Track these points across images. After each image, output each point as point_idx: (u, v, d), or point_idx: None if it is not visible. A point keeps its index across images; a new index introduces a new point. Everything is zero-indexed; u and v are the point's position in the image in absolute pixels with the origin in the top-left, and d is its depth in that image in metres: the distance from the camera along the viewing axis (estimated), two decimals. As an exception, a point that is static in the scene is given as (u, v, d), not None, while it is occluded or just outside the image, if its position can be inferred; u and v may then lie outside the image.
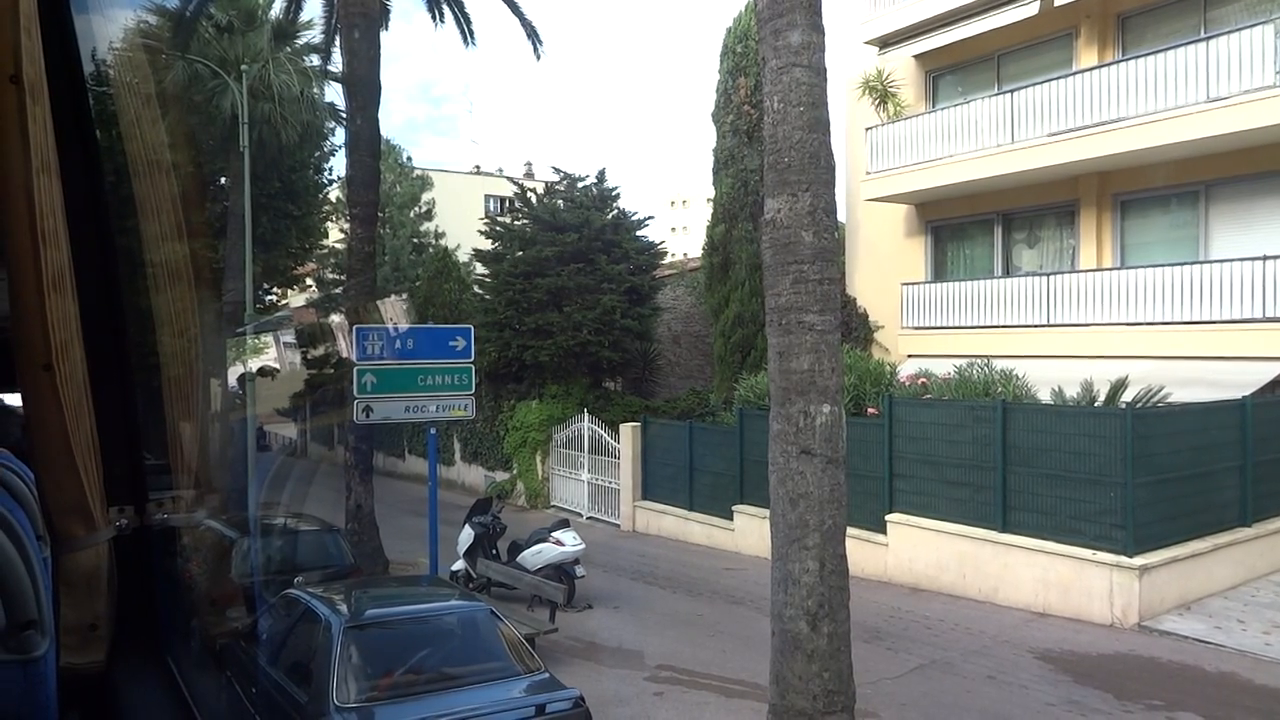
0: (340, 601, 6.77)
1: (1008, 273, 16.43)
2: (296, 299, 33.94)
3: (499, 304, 21.16)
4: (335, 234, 30.52)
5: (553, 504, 19.81)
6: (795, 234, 5.63)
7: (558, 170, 22.35)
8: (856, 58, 17.87)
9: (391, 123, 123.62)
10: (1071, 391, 11.66)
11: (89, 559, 1.44)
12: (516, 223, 22.64)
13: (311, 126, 24.16)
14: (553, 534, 11.74)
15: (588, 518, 18.35)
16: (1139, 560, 10.00)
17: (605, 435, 18.29)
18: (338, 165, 37.74)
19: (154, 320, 1.72)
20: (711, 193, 20.21)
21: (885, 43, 17.47)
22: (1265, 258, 12.45)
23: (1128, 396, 11.22)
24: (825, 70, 5.77)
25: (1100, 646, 9.42)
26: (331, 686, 5.63)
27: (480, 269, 24.34)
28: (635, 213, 22.07)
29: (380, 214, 19.82)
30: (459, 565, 12.26)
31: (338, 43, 16.44)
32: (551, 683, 6.08)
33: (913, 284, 17.34)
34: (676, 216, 70.71)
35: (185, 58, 19.25)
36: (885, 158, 17.10)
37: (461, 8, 17.63)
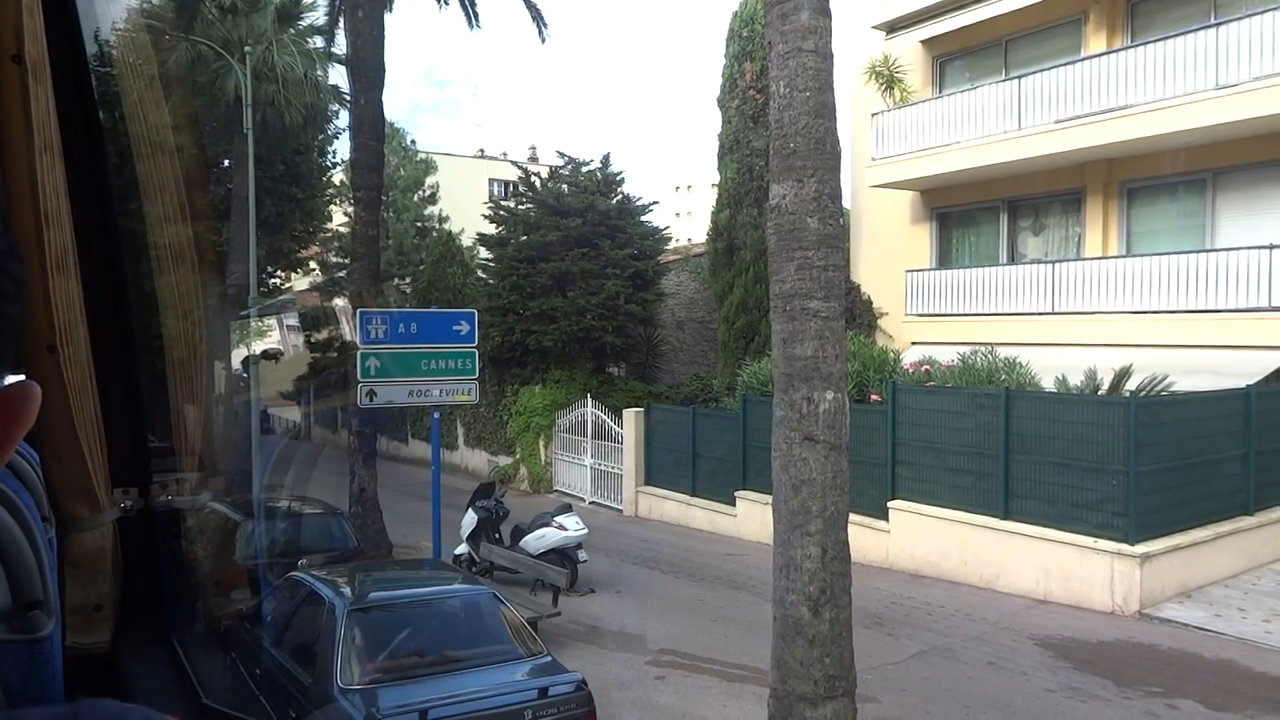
0: (344, 584, 6.81)
1: (1013, 260, 16.37)
2: (300, 282, 33.92)
3: (503, 288, 21.15)
4: (339, 217, 30.45)
5: (556, 489, 19.86)
6: (800, 220, 5.61)
7: (562, 154, 22.31)
8: (863, 43, 17.74)
9: (395, 106, 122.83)
10: (1075, 379, 11.65)
11: (94, 540, 1.44)
12: (520, 207, 22.60)
13: (315, 109, 24.01)
14: (555, 518, 11.77)
15: (590, 503, 18.40)
16: (1140, 548, 10.02)
17: (609, 420, 18.31)
18: (342, 148, 37.53)
19: (158, 303, 1.72)
20: (716, 178, 20.13)
21: (892, 28, 17.34)
22: (1272, 246, 12.38)
23: (1132, 385, 11.21)
24: (832, 55, 5.73)
25: (1100, 633, 9.45)
26: (335, 668, 5.67)
27: (484, 253, 24.30)
28: (640, 197, 22.06)
29: (384, 198, 19.79)
30: (462, 549, 12.30)
31: (341, 24, 16.36)
32: (554, 666, 6.12)
33: (917, 271, 17.29)
34: (681, 201, 70.43)
35: (189, 39, 19.18)
36: (891, 144, 17.01)
37: (466, -10, 17.51)
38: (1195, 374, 11.88)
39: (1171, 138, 13.11)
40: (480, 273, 24.06)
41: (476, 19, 17.68)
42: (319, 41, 22.33)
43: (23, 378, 0.77)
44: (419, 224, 35.57)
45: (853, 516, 6.10)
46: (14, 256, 0.76)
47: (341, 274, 29.54)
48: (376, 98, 14.33)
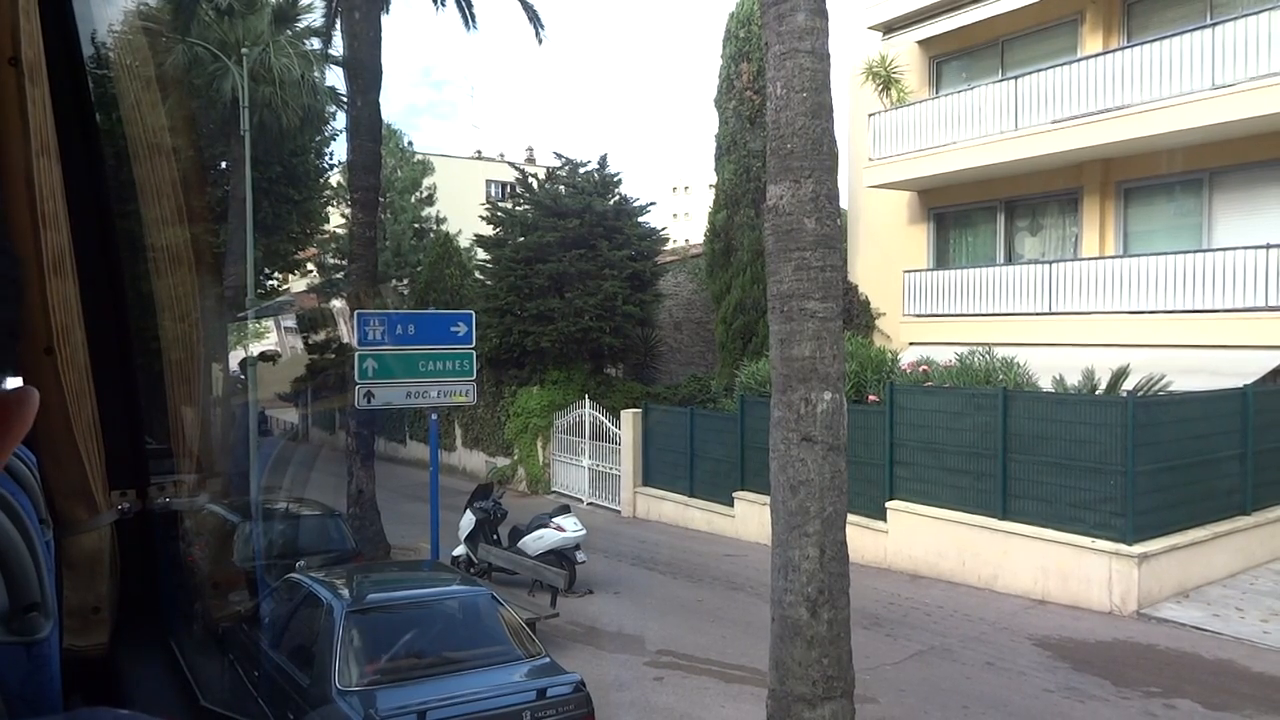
0: (342, 586, 6.81)
1: (1010, 260, 16.39)
2: (298, 284, 33.85)
3: (500, 289, 21.14)
4: (336, 219, 30.42)
5: (554, 490, 19.85)
6: (797, 220, 5.61)
7: (559, 155, 22.29)
8: (860, 43, 17.76)
9: (392, 107, 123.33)
10: (1073, 379, 11.66)
11: (91, 542, 1.44)
12: (518, 208, 22.59)
13: (312, 110, 24.02)
14: (554, 519, 11.77)
15: (589, 503, 18.39)
16: (1138, 548, 10.03)
17: (606, 421, 18.31)
18: (339, 150, 37.48)
19: (155, 305, 1.72)
20: (713, 179, 20.13)
21: (889, 28, 17.36)
22: (1268, 246, 12.40)
23: (1129, 385, 11.22)
24: (829, 56, 5.73)
25: (1099, 633, 9.46)
26: (334, 670, 5.67)
27: (481, 254, 24.29)
28: (637, 198, 22.05)
29: (381, 199, 19.77)
30: (460, 550, 12.30)
31: (339, 26, 16.36)
32: (552, 667, 6.11)
33: (914, 271, 17.31)
34: (678, 202, 70.49)
35: (185, 41, 19.15)
36: (888, 144, 17.03)
37: (463, -9, 17.50)
38: (1192, 374, 11.89)
39: (1168, 138, 13.14)
40: (478, 274, 24.05)
41: (473, 20, 17.69)
42: (316, 43, 22.32)
43: (20, 383, 0.77)
44: (416, 225, 35.54)
45: (851, 517, 6.10)
46: (9, 257, 0.76)
47: (339, 275, 29.51)
48: (373, 99, 14.33)
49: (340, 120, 26.09)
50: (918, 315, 17.00)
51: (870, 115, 17.37)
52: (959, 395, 12.04)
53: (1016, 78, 15.07)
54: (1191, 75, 12.65)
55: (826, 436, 5.57)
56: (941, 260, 17.65)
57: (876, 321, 18.00)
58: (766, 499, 6.45)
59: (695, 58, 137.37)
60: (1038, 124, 14.49)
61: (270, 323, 34.22)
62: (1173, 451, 10.60)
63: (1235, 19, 12.32)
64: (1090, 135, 13.77)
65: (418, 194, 36.63)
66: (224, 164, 22.45)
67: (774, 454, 5.74)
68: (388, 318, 11.12)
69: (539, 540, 11.53)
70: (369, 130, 14.39)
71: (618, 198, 21.46)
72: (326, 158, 28.02)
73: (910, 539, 12.29)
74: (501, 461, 21.82)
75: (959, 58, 17.33)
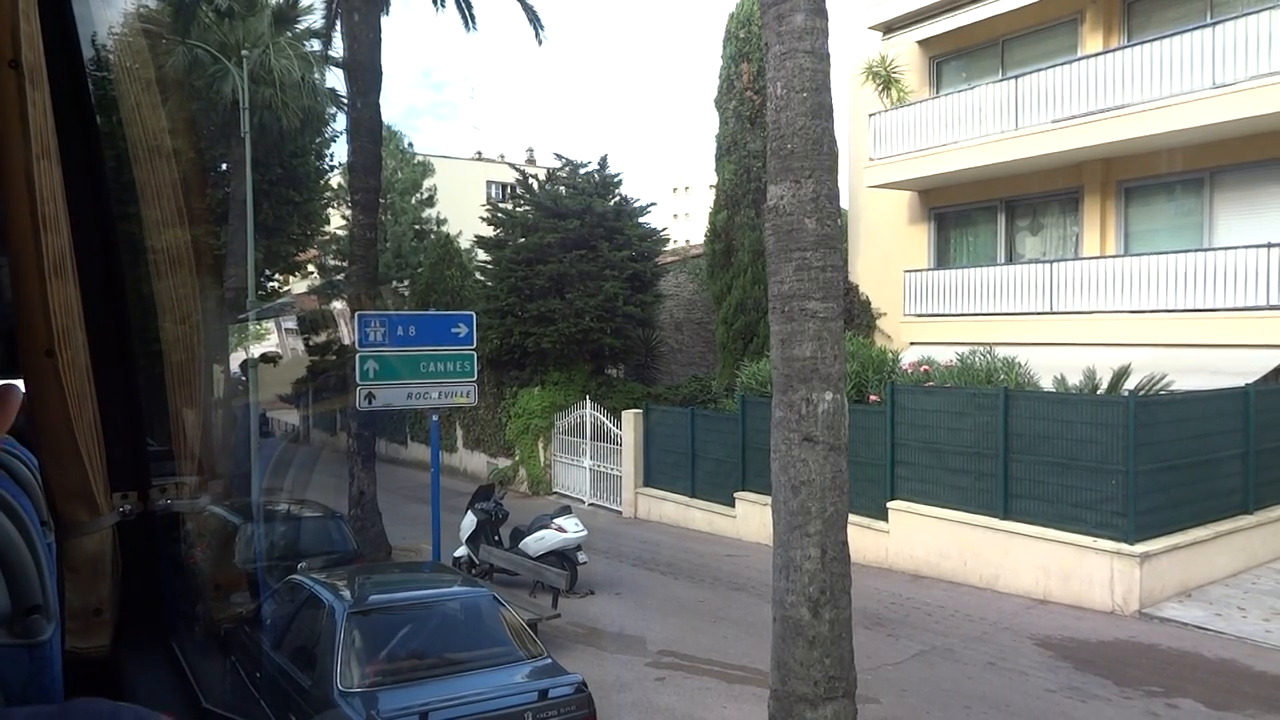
0: (344, 587, 6.81)
1: (1011, 260, 16.38)
2: (298, 285, 33.89)
3: (501, 290, 21.15)
4: (337, 220, 30.47)
5: (555, 490, 19.85)
6: (798, 221, 5.61)
7: (560, 156, 22.32)
8: (860, 43, 17.76)
9: (393, 108, 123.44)
10: (1074, 379, 11.66)
11: (93, 544, 1.44)
12: (518, 209, 22.61)
13: (313, 112, 24.04)
14: (555, 520, 11.77)
15: (590, 504, 18.39)
16: (1140, 548, 10.02)
17: (607, 422, 18.31)
18: (339, 151, 37.42)
19: (156, 306, 1.72)
20: (714, 179, 20.14)
21: (889, 28, 17.36)
22: (1269, 245, 12.40)
23: (1130, 384, 11.22)
24: (829, 56, 5.73)
25: (1100, 633, 9.45)
26: (335, 671, 5.67)
27: (482, 255, 24.30)
28: (638, 199, 22.08)
29: (382, 200, 19.78)
30: (461, 551, 12.30)
31: (338, 27, 16.36)
32: (554, 668, 6.11)
33: (915, 271, 17.30)
34: (679, 203, 70.51)
35: (185, 43, 19.16)
36: (888, 144, 17.03)
37: (463, -8, 17.49)
38: (1194, 373, 11.89)
39: (1169, 137, 13.13)
40: (478, 275, 24.06)
41: (473, 21, 17.67)
42: (316, 45, 22.34)
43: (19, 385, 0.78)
44: (417, 226, 35.57)
45: (852, 517, 6.10)
46: None
47: (339, 277, 29.52)
48: (374, 100, 14.34)
49: (340, 122, 26.14)
50: (918, 315, 17.00)
51: (870, 115, 17.37)
52: (960, 395, 12.04)
53: (1017, 77, 15.06)
54: (1192, 75, 12.64)
55: (828, 437, 5.57)
56: (942, 260, 17.65)
57: (877, 321, 18.00)
58: (767, 499, 6.46)
59: (695, 58, 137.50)
60: (1038, 124, 14.49)
61: (271, 324, 34.22)
62: (1174, 451, 10.59)
63: (1235, 18, 12.31)
64: (1090, 135, 13.77)
65: (418, 195, 36.66)
66: (224, 166, 22.47)
67: (775, 454, 5.74)
68: (388, 319, 11.12)
69: (540, 541, 11.53)
70: (369, 132, 14.40)
71: (618, 198, 21.47)
72: (327, 159, 28.08)
73: (911, 539, 12.28)
74: (503, 462, 21.83)
75: (959, 58, 17.33)
